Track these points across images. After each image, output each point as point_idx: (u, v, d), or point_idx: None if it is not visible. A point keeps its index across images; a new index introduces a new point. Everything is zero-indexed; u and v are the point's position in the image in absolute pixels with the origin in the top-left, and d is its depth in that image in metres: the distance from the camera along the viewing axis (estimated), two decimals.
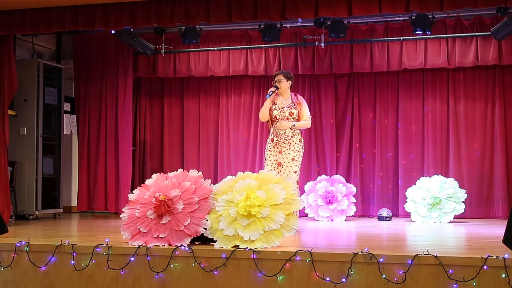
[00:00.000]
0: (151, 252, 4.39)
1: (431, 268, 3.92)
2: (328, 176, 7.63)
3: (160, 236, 4.48)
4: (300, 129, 6.06)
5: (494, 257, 3.83)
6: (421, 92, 7.90)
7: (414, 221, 7.09)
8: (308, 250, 4.11)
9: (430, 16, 7.05)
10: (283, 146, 5.95)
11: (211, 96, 8.49)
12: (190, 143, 8.49)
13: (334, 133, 8.07)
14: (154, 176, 4.87)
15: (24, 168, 7.43)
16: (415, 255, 3.94)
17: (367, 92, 8.06)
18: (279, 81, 6.00)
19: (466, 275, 3.84)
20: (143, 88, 8.70)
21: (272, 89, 5.98)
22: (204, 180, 4.69)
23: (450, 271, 3.87)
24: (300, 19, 7.22)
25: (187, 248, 4.33)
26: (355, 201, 7.49)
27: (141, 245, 4.44)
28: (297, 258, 4.11)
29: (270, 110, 6.01)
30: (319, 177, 7.67)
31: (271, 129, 6.04)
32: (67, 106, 8.28)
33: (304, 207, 7.29)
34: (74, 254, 4.52)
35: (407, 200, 7.25)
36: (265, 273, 4.16)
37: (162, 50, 8.11)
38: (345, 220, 7.35)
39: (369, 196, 7.97)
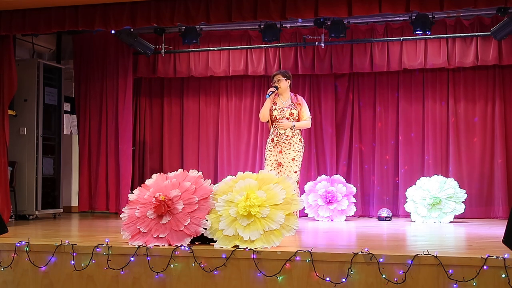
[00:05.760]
0: (151, 252, 4.39)
1: (431, 268, 3.92)
2: (328, 176, 7.63)
3: (160, 236, 4.48)
4: (300, 129, 6.07)
5: (494, 257, 3.83)
6: (421, 92, 7.90)
7: (414, 221, 7.09)
8: (308, 250, 4.11)
9: (430, 16, 7.05)
10: (283, 146, 5.94)
11: (211, 96, 8.49)
12: (190, 143, 8.49)
13: (334, 133, 8.07)
14: (154, 176, 4.87)
15: (24, 168, 7.42)
16: (415, 255, 3.94)
17: (367, 92, 8.06)
18: (278, 81, 6.00)
19: (466, 275, 3.84)
20: (143, 88, 8.70)
21: (272, 89, 5.97)
22: (204, 180, 4.69)
23: (450, 271, 3.87)
24: (300, 19, 7.22)
25: (187, 248, 4.33)
26: (355, 201, 7.49)
27: (141, 245, 4.44)
28: (297, 258, 4.11)
29: (270, 110, 6.01)
30: (319, 177, 7.67)
31: (271, 129, 6.04)
32: (67, 106, 8.28)
33: (304, 207, 7.29)
34: (74, 254, 4.52)
35: (407, 200, 7.25)
36: (265, 273, 4.16)
37: (162, 50, 8.11)
38: (345, 220, 7.35)
39: (369, 196, 7.97)
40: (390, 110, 7.99)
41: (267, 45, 7.88)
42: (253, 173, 4.67)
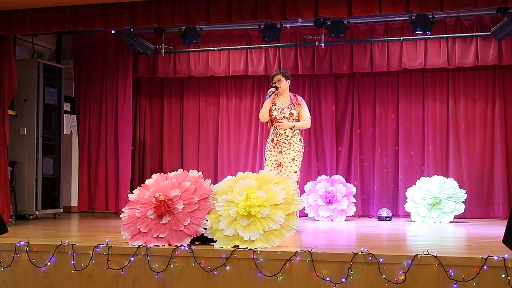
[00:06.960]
0: (151, 252, 4.39)
1: (431, 268, 3.92)
2: (328, 176, 7.63)
3: (160, 236, 4.48)
4: (300, 129, 6.07)
5: (494, 257, 3.83)
6: (421, 92, 7.90)
7: (414, 221, 7.09)
8: (308, 250, 4.11)
9: (430, 16, 7.05)
10: (283, 146, 5.95)
11: (211, 96, 8.49)
12: (190, 143, 8.49)
13: (334, 133, 8.06)
14: (154, 176, 4.87)
15: (24, 168, 7.42)
16: (415, 255, 3.94)
17: (367, 92, 8.06)
18: (278, 81, 6.00)
19: (466, 275, 3.85)
20: (143, 88, 8.70)
21: (272, 89, 5.98)
22: (204, 180, 4.69)
23: (450, 271, 3.87)
24: (300, 19, 7.22)
25: (187, 248, 4.33)
26: (355, 201, 7.49)
27: (141, 245, 4.44)
28: (297, 258, 4.11)
29: (270, 110, 6.01)
30: (319, 177, 7.67)
31: (271, 130, 6.04)
32: (67, 106, 8.28)
33: (304, 207, 7.29)
34: (74, 254, 4.52)
35: (407, 200, 7.25)
36: (265, 273, 4.16)
37: (162, 50, 8.11)
38: (345, 220, 7.35)
39: (369, 196, 7.97)
40: (390, 110, 7.99)
41: (267, 45, 7.87)
42: (253, 173, 4.67)
